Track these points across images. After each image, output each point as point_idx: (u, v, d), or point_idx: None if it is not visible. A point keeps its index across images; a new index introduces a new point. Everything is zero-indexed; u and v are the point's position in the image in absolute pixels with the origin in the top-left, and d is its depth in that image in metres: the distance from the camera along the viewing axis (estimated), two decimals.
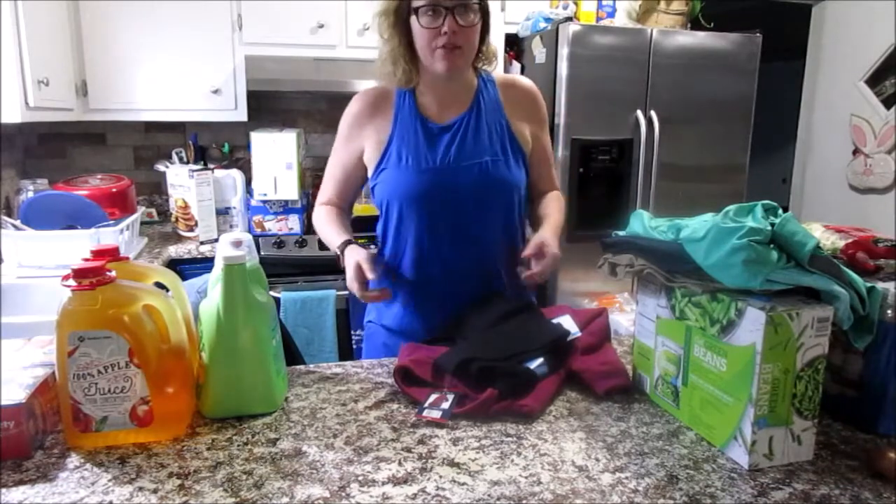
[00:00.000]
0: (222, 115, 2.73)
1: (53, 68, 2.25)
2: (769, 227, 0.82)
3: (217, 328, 0.94)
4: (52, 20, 2.30)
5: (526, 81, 1.42)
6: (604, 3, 2.93)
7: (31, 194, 2.39)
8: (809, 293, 0.84)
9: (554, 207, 1.42)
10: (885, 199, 3.26)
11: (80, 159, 2.91)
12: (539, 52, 2.73)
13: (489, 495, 0.77)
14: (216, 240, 2.50)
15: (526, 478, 0.81)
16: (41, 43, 2.14)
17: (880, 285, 0.88)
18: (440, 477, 0.81)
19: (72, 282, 0.85)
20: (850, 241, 0.99)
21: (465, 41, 1.24)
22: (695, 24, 3.11)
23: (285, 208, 2.63)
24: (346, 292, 2.47)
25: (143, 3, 2.54)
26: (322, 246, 2.56)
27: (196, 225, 2.53)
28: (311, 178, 3.01)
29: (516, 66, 2.95)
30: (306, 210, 2.76)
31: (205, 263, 2.38)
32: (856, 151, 3.35)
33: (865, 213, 3.31)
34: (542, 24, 2.75)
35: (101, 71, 2.56)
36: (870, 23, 3.25)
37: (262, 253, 2.43)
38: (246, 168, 2.68)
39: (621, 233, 1.07)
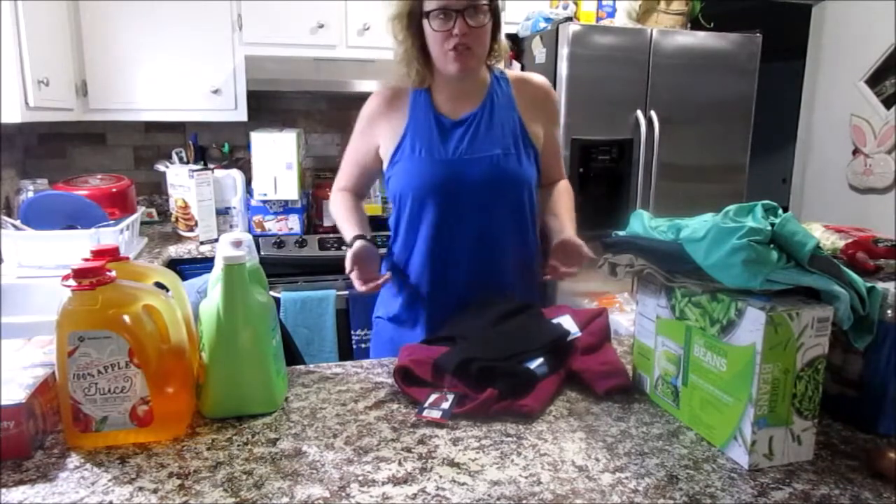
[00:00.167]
0: (222, 115, 2.73)
1: (53, 68, 2.25)
2: (769, 227, 0.82)
3: (217, 328, 0.94)
4: (52, 20, 2.30)
5: (539, 79, 1.45)
6: (604, 3, 2.93)
7: (31, 194, 2.39)
8: (809, 293, 0.84)
9: (566, 202, 1.48)
10: (885, 199, 3.26)
11: (80, 159, 2.91)
12: (539, 52, 2.73)
13: (489, 495, 0.77)
14: (216, 240, 2.50)
15: (526, 478, 0.81)
16: (41, 43, 2.14)
17: (880, 285, 0.88)
18: (440, 477, 0.81)
19: (72, 282, 0.85)
20: (850, 241, 0.99)
21: (476, 42, 1.28)
22: (695, 24, 3.11)
23: (285, 208, 2.63)
24: (347, 292, 2.48)
25: (143, 3, 2.54)
26: (322, 246, 2.56)
27: (196, 225, 2.53)
28: (311, 178, 3.01)
29: (516, 65, 2.95)
30: (306, 210, 2.76)
31: (205, 263, 2.38)
32: (856, 151, 3.35)
33: (865, 213, 3.31)
34: (542, 24, 2.75)
35: (101, 71, 2.56)
36: (870, 23, 3.25)
37: (262, 253, 2.43)
38: (246, 168, 2.68)
39: (621, 233, 1.07)
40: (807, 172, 3.70)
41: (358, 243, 1.34)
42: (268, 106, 3.04)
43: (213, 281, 1.00)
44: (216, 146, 2.96)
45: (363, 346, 2.50)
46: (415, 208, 1.36)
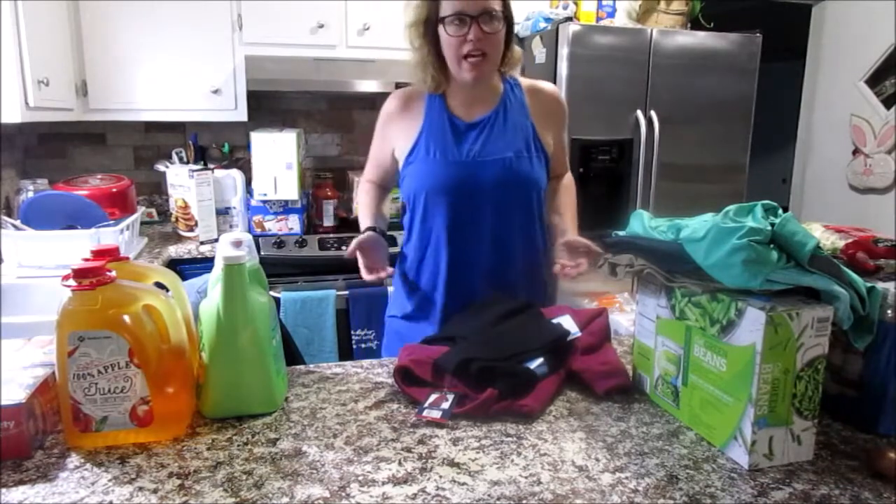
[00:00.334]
0: (222, 115, 2.73)
1: (53, 68, 2.25)
2: (769, 227, 0.82)
3: (217, 328, 0.94)
4: (52, 20, 2.30)
5: (550, 87, 1.51)
6: (604, 3, 2.93)
7: (31, 194, 2.39)
8: (809, 293, 0.84)
9: (570, 200, 1.54)
10: (885, 199, 3.26)
11: (80, 159, 2.91)
12: (539, 52, 2.73)
13: (489, 495, 0.77)
14: (216, 240, 2.50)
15: (526, 478, 0.81)
16: (41, 43, 2.14)
17: (880, 285, 0.88)
18: (440, 477, 0.81)
19: (72, 282, 0.85)
20: (850, 241, 0.99)
21: (491, 48, 1.32)
22: (695, 24, 3.11)
23: (285, 208, 2.63)
24: (347, 292, 2.48)
25: (143, 3, 2.54)
26: (322, 246, 2.56)
27: (196, 225, 2.53)
28: (311, 178, 3.01)
29: None
30: (306, 210, 2.77)
31: (205, 263, 2.38)
32: (856, 151, 3.35)
33: (865, 213, 3.31)
34: (542, 24, 2.75)
35: (101, 71, 2.55)
36: (870, 23, 3.25)
37: (262, 253, 2.43)
38: (246, 168, 2.68)
39: (621, 233, 1.07)
40: (807, 172, 3.70)
41: (367, 233, 1.40)
42: (268, 106, 3.04)
43: (213, 281, 1.00)
44: (216, 146, 2.96)
45: (363, 346, 2.50)
46: (428, 208, 1.40)
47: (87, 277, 0.85)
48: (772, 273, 0.81)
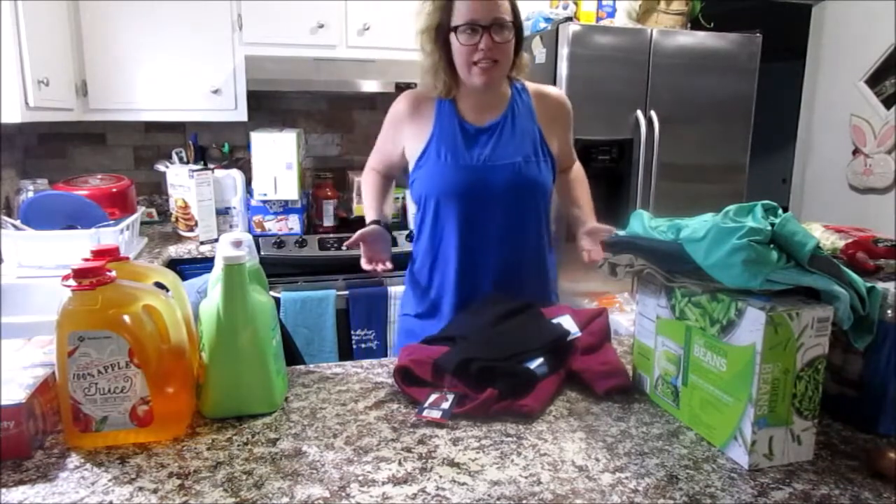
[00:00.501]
0: (222, 115, 2.73)
1: (53, 68, 2.25)
2: (769, 227, 0.82)
3: (217, 328, 0.94)
4: (52, 20, 2.30)
5: (556, 92, 1.55)
6: (604, 3, 2.93)
7: (31, 194, 2.39)
8: (809, 293, 0.84)
9: (584, 191, 1.60)
10: (885, 199, 3.26)
11: (80, 159, 2.91)
12: (539, 52, 2.73)
13: (489, 495, 0.77)
14: (216, 240, 2.50)
15: (526, 478, 0.81)
16: (41, 43, 2.14)
17: (880, 285, 0.88)
18: (440, 477, 0.81)
19: (72, 282, 0.85)
20: (850, 241, 0.99)
21: (501, 56, 1.35)
22: (695, 24, 3.11)
23: (285, 208, 2.63)
24: (346, 292, 2.48)
25: (143, 3, 2.54)
26: (322, 246, 2.56)
27: (196, 225, 2.53)
28: (311, 178, 3.01)
29: None
30: (306, 210, 2.77)
31: (205, 263, 2.38)
32: (856, 151, 3.35)
33: (865, 213, 3.31)
34: (542, 24, 2.75)
35: (101, 71, 2.55)
36: (870, 23, 3.25)
37: (262, 253, 2.43)
38: (246, 168, 2.68)
39: (621, 233, 1.07)
40: (807, 172, 3.70)
41: (371, 226, 1.45)
42: (268, 106, 3.04)
43: (213, 281, 1.00)
44: (216, 146, 2.96)
45: (363, 346, 2.50)
46: (439, 211, 1.43)
47: (87, 277, 0.85)
48: (772, 273, 0.81)
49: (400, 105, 1.49)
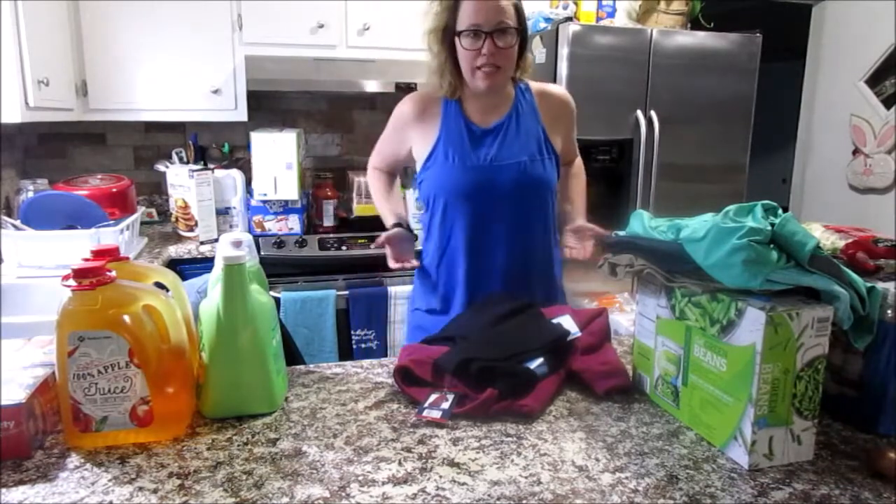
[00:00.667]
0: (222, 115, 2.73)
1: (53, 68, 2.24)
2: (769, 227, 0.82)
3: (217, 328, 0.94)
4: (52, 20, 2.30)
5: (559, 90, 1.57)
6: (604, 3, 2.93)
7: (31, 194, 2.39)
8: (809, 293, 0.84)
9: (580, 187, 1.63)
10: (885, 199, 3.26)
11: (80, 159, 2.91)
12: (539, 52, 2.73)
13: (489, 495, 0.77)
14: (216, 240, 2.50)
15: (526, 478, 0.81)
16: (41, 43, 2.14)
17: (880, 285, 0.88)
18: (440, 477, 0.81)
19: (72, 282, 0.85)
20: (850, 241, 0.99)
21: (504, 61, 1.37)
22: (695, 24, 3.11)
23: (285, 208, 2.63)
24: (346, 292, 2.48)
25: (143, 3, 2.54)
26: (322, 246, 2.56)
27: (196, 225, 2.53)
28: (311, 178, 3.01)
29: None
30: (306, 210, 2.76)
31: (205, 263, 2.38)
32: (856, 151, 3.35)
33: (865, 213, 3.31)
34: (542, 24, 2.75)
35: (101, 71, 2.55)
36: (870, 23, 3.25)
37: (262, 253, 2.43)
38: (246, 168, 2.68)
39: (621, 233, 1.07)
40: (807, 172, 3.70)
41: (395, 229, 1.50)
42: (268, 106, 3.03)
43: (213, 281, 1.00)
44: (216, 146, 2.96)
45: (363, 346, 2.50)
46: (447, 211, 1.46)
47: (87, 277, 0.85)
48: (772, 273, 0.81)
49: (405, 107, 1.51)
